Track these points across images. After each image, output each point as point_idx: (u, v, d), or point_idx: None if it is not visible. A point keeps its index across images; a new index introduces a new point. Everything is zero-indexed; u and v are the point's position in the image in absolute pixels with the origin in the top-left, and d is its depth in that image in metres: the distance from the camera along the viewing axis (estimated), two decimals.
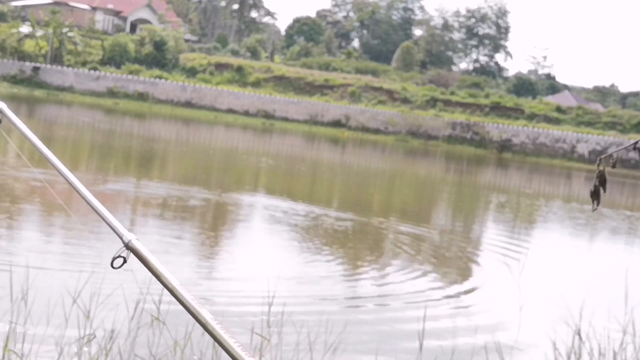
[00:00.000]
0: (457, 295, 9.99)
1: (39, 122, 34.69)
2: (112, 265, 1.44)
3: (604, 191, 1.75)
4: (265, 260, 10.88)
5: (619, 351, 5.22)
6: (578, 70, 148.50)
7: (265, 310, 5.67)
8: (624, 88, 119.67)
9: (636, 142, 1.67)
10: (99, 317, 4.70)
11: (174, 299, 1.43)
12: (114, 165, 22.53)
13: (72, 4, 72.42)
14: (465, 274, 11.72)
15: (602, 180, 1.74)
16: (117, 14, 74.95)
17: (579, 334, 5.22)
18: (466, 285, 10.77)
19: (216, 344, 1.37)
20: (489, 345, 6.04)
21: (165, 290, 1.44)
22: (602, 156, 1.75)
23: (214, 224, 14.19)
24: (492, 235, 17.33)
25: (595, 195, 1.76)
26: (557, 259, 14.24)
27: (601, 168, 1.76)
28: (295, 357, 5.26)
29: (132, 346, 4.73)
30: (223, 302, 8.02)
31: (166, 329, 4.62)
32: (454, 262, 12.74)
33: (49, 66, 61.07)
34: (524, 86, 74.56)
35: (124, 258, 1.45)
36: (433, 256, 12.92)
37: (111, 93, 60.11)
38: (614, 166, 1.70)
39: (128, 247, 1.46)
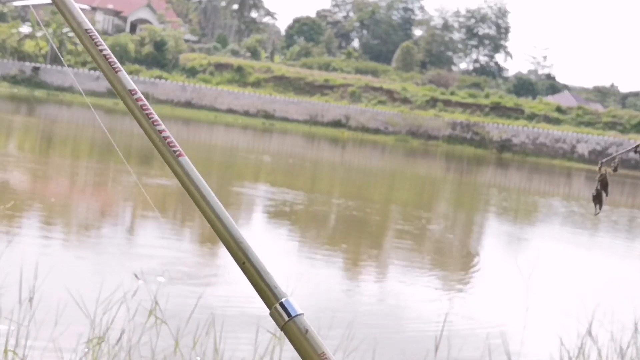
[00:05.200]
0: (462, 294, 9.99)
1: (41, 122, 34.67)
2: None
3: (606, 194, 1.74)
4: (269, 256, 10.87)
5: (626, 351, 5.22)
6: (578, 70, 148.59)
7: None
8: (624, 88, 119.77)
9: (637, 146, 1.67)
10: (99, 317, 4.70)
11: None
12: (115, 161, 22.53)
13: None
14: (470, 273, 11.72)
15: (604, 184, 1.73)
16: (117, 14, 74.94)
17: (590, 335, 5.22)
18: (471, 285, 10.77)
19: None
20: (496, 347, 6.04)
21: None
22: (604, 160, 1.74)
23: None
24: (496, 235, 17.33)
25: (597, 199, 1.76)
26: (563, 260, 14.24)
27: (603, 172, 1.76)
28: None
29: (133, 347, 4.73)
30: (226, 300, 8.03)
31: (168, 330, 4.63)
32: (459, 260, 12.74)
33: (49, 66, 61.07)
34: (524, 86, 74.57)
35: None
36: (438, 255, 12.92)
37: (111, 93, 59.86)
38: (615, 170, 1.70)
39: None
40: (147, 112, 1.08)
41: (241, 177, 23.35)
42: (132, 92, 1.09)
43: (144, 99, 1.10)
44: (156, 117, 1.08)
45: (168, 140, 1.07)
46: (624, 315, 6.33)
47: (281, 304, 1.03)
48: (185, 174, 1.07)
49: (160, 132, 1.07)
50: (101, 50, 1.12)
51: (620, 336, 5.46)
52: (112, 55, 1.12)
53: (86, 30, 1.13)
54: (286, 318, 1.02)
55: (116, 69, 1.11)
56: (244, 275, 1.04)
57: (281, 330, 1.02)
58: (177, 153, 1.07)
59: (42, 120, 37.64)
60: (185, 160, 1.08)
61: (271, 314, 1.03)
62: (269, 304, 1.04)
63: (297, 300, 1.02)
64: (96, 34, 1.13)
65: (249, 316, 7.07)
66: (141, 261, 9.10)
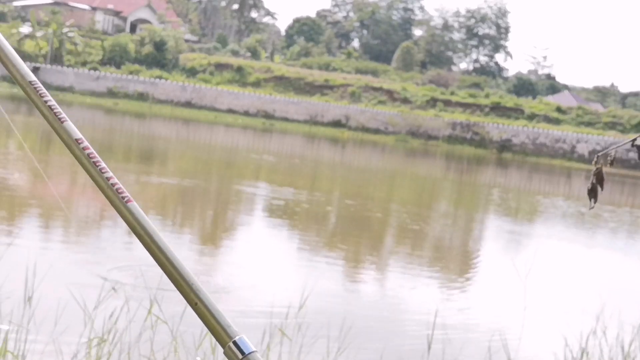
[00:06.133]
0: (461, 294, 9.99)
1: (41, 122, 34.60)
2: None
3: (602, 189, 1.73)
4: (268, 256, 10.88)
5: (628, 352, 5.22)
6: (578, 70, 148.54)
7: (272, 310, 5.68)
8: (624, 88, 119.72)
9: (634, 139, 1.68)
10: (99, 317, 4.71)
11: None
12: (114, 161, 22.56)
13: (72, 4, 72.43)
14: (469, 273, 11.72)
15: (599, 178, 1.73)
16: (117, 14, 74.95)
17: (597, 333, 5.23)
18: (469, 285, 10.77)
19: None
20: (494, 346, 6.05)
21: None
22: (599, 154, 1.74)
23: (214, 216, 14.18)
24: (495, 234, 17.34)
25: (592, 193, 1.75)
26: (562, 259, 14.25)
27: (598, 166, 1.76)
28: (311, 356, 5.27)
29: (133, 347, 4.73)
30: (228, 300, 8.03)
31: (168, 330, 4.63)
32: (458, 260, 12.75)
33: (49, 66, 61.07)
34: (524, 86, 74.57)
35: None
36: (436, 254, 12.92)
37: (111, 93, 60.12)
38: (611, 164, 1.70)
39: None
40: (94, 160, 1.11)
41: (244, 176, 23.36)
42: (79, 141, 1.12)
43: (91, 147, 1.12)
44: (103, 164, 1.10)
45: (116, 187, 1.09)
46: (626, 315, 6.34)
47: (234, 343, 1.03)
48: (135, 220, 1.09)
49: (108, 179, 1.09)
50: (46, 102, 1.15)
51: (622, 334, 5.47)
52: (57, 106, 1.15)
53: (30, 82, 1.16)
54: (240, 356, 1.02)
55: (62, 119, 1.14)
56: (196, 316, 1.04)
57: None
58: (126, 199, 1.09)
59: (42, 120, 37.66)
60: (134, 205, 1.09)
61: (225, 353, 1.03)
62: (222, 343, 1.04)
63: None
64: (40, 85, 1.16)
65: (250, 317, 7.08)
66: (141, 261, 9.11)
